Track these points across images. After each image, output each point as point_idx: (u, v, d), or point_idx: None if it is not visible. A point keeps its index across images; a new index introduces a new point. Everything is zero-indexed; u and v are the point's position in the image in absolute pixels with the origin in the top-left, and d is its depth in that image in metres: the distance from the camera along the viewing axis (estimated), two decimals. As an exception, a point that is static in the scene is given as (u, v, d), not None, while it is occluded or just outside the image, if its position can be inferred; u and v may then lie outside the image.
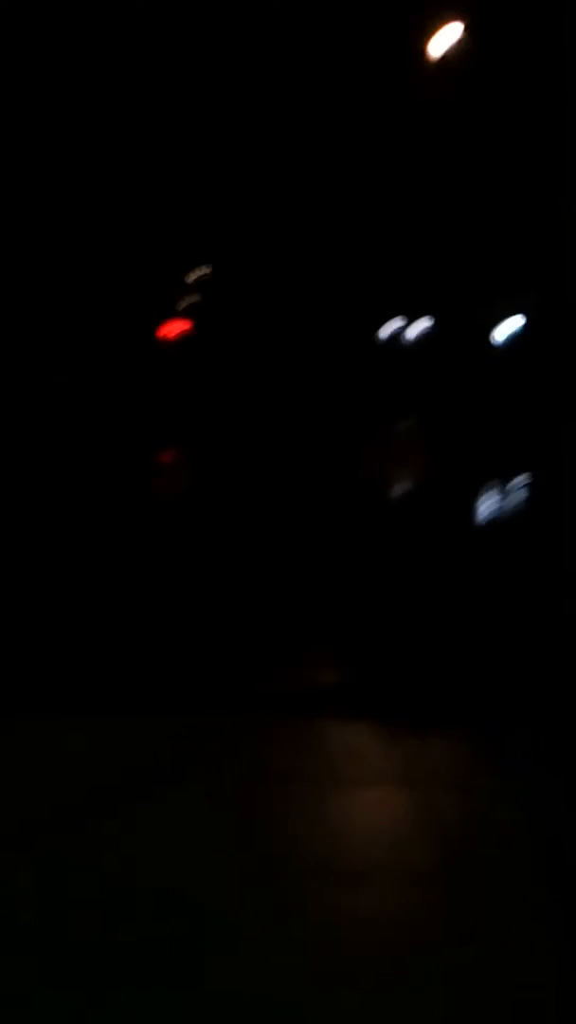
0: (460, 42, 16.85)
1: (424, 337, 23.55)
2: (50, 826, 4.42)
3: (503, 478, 12.42)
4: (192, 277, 24.96)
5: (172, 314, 23.69)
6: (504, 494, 11.56)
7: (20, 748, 5.08)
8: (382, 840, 4.52)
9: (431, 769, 5.16)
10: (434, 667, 6.28)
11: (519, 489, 11.78)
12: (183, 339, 22.80)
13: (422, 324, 23.44)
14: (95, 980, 3.38)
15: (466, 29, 16.25)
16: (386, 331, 24.71)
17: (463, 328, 21.52)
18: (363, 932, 3.86)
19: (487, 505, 11.29)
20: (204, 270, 24.99)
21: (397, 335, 23.71)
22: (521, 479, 12.16)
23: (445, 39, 17.58)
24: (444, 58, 17.73)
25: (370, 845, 4.45)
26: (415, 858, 4.39)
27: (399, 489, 13.87)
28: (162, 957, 3.58)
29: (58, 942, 3.62)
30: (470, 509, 10.48)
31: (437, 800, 4.90)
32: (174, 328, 23.24)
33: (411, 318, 23.52)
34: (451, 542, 8.25)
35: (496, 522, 10.12)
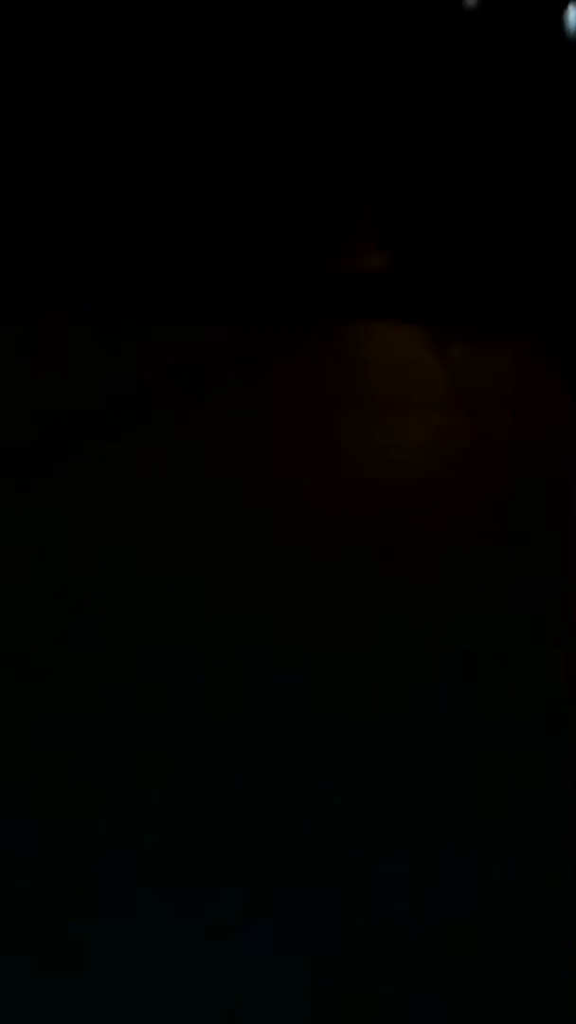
0: None
1: None
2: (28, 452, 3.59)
3: None
4: None
5: None
6: None
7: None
8: (434, 473, 3.73)
9: (489, 385, 4.26)
10: (496, 255, 5.14)
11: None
12: None
13: None
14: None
15: None
16: None
17: None
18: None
19: None
20: None
21: None
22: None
23: None
24: None
25: (421, 483, 3.65)
26: (474, 505, 3.61)
27: None
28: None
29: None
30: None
31: (497, 423, 4.07)
32: None
33: None
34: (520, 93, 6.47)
35: None
